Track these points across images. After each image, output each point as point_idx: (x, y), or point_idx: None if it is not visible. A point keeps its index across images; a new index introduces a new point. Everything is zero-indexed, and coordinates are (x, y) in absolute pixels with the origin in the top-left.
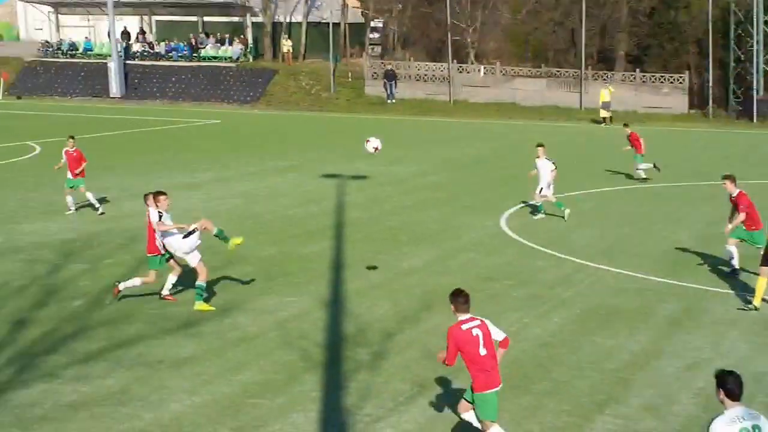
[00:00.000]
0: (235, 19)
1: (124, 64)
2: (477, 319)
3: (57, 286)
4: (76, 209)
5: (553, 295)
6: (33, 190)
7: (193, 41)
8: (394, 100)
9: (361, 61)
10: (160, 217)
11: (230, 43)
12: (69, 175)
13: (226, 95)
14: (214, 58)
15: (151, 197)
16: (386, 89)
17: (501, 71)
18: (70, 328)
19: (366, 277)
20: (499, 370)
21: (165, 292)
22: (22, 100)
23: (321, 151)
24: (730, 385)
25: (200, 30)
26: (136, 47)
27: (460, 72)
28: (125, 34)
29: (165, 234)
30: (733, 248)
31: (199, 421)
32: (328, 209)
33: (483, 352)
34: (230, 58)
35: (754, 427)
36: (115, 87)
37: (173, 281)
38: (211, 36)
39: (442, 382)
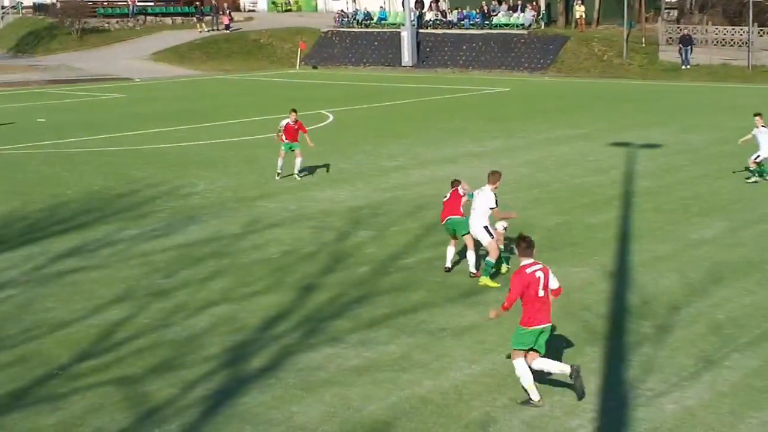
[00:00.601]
0: None
1: (417, 33)
2: (539, 263)
3: (344, 252)
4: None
5: None
6: (325, 158)
7: (485, 8)
8: (689, 66)
9: (656, 26)
10: (497, 202)
11: (522, 10)
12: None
13: (517, 63)
14: (506, 25)
15: (491, 176)
16: (681, 55)
17: None
18: (356, 294)
19: (652, 248)
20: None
21: (473, 270)
22: (318, 70)
23: (611, 118)
24: None
25: None
26: (429, 16)
27: (761, 36)
28: (419, 3)
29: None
30: None
31: (478, 390)
32: (616, 178)
33: (541, 293)
34: (522, 24)
35: None
36: (407, 56)
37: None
38: (504, 3)
39: (729, 357)
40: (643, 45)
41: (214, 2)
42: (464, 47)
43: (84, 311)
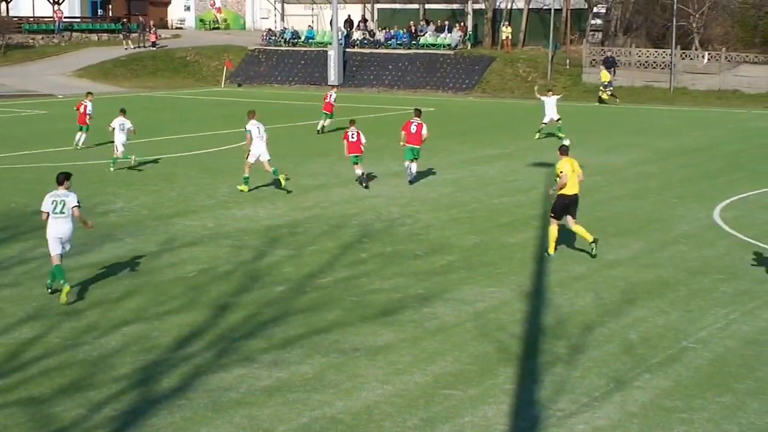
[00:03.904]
0: (456, 6)
1: (344, 52)
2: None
3: (261, 271)
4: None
5: (764, 291)
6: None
7: (412, 28)
8: (611, 88)
9: (581, 48)
10: None
11: (449, 31)
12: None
13: (442, 83)
14: (433, 45)
15: None
16: None
17: (726, 57)
18: (271, 313)
19: (569, 268)
20: None
21: None
22: (243, 88)
23: (534, 139)
24: None
25: (421, 17)
26: (357, 35)
27: (683, 58)
28: (348, 23)
29: None
30: None
31: (389, 410)
32: (536, 199)
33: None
34: (448, 45)
35: None
36: (333, 75)
37: None
38: (431, 23)
39: (640, 377)
40: (567, 66)
41: (141, 19)
42: (390, 67)
43: None
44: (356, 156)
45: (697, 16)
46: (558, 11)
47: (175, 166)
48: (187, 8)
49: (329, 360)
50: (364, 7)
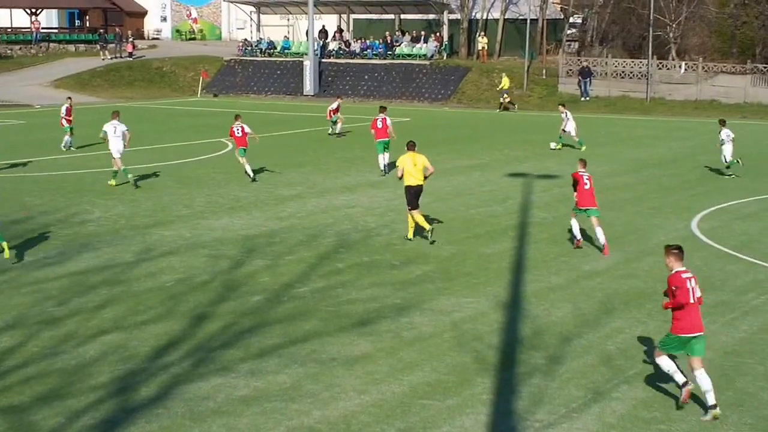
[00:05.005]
0: (432, 16)
1: (320, 62)
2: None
3: (237, 281)
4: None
5: (742, 301)
6: (222, 187)
7: (388, 39)
8: (588, 98)
9: (557, 58)
10: None
11: (425, 41)
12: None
13: (418, 93)
14: (408, 55)
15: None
16: (580, 87)
17: (703, 67)
18: (248, 323)
19: (546, 279)
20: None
21: None
22: (218, 98)
23: (509, 149)
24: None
25: (396, 28)
26: (333, 46)
27: (660, 69)
28: (323, 33)
29: None
30: None
31: (366, 420)
32: (512, 209)
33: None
34: (424, 55)
35: None
36: (308, 85)
37: None
38: (407, 34)
39: (618, 388)
40: (544, 77)
41: (117, 30)
42: (366, 77)
43: None
44: (383, 142)
45: (674, 26)
46: (534, 21)
47: (151, 177)
48: (164, 19)
49: (306, 370)
50: (340, 17)
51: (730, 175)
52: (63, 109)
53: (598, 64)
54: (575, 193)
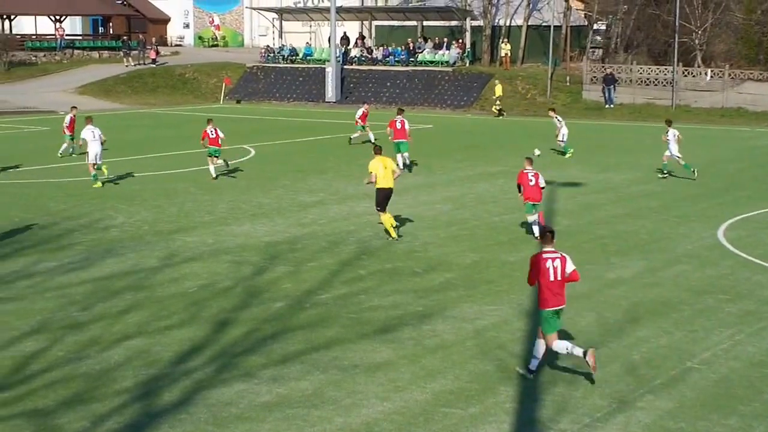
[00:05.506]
0: (454, 23)
1: (342, 69)
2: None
3: (260, 287)
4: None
5: None
6: (245, 193)
7: (410, 45)
8: (612, 105)
9: (581, 65)
10: None
11: (447, 48)
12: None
13: (440, 100)
14: (431, 62)
15: None
16: (604, 94)
17: (729, 75)
18: (270, 329)
19: (570, 287)
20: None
21: None
22: (241, 105)
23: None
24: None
25: (419, 34)
26: (355, 52)
27: (685, 76)
28: (345, 40)
29: None
30: None
31: (389, 428)
32: None
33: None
34: (447, 62)
35: None
36: (330, 92)
37: None
38: (429, 40)
39: (643, 398)
40: (567, 84)
41: (141, 37)
42: (388, 84)
43: None
44: (400, 142)
45: (699, 32)
46: (557, 28)
47: (175, 183)
48: (186, 26)
49: (328, 376)
50: (362, 24)
51: (665, 176)
52: (67, 119)
53: (622, 71)
54: (520, 194)
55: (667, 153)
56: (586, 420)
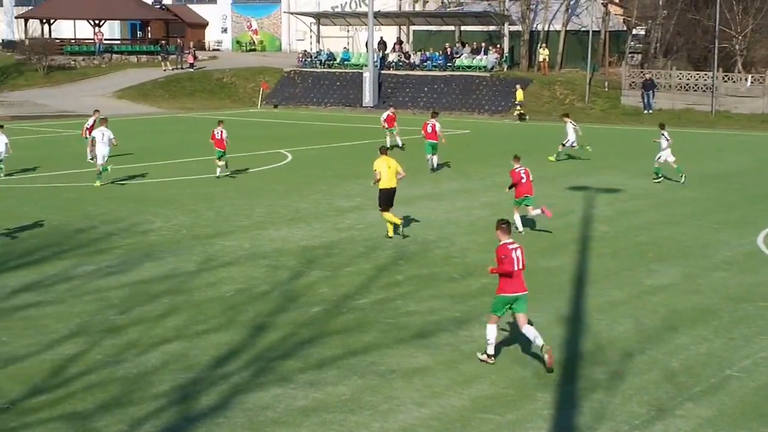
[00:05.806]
0: (492, 28)
1: (379, 74)
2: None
3: (297, 292)
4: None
5: None
6: (282, 198)
7: (448, 50)
8: (651, 111)
9: (620, 70)
10: None
11: (485, 53)
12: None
13: (478, 105)
14: (468, 67)
15: None
16: (643, 99)
17: None
18: (307, 334)
19: (608, 293)
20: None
21: None
22: (278, 109)
23: (570, 162)
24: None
25: (457, 39)
26: (392, 57)
27: (725, 81)
28: (382, 44)
29: None
30: None
31: None
32: (574, 222)
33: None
34: (484, 67)
35: None
36: (368, 97)
37: None
38: (467, 45)
39: (682, 406)
40: (606, 89)
41: (179, 41)
42: (426, 89)
43: (37, 346)
44: (432, 143)
45: (740, 38)
46: (596, 33)
47: (212, 187)
48: (224, 30)
49: (365, 381)
50: (400, 29)
51: (659, 179)
52: (90, 121)
53: (661, 77)
54: (514, 189)
55: (661, 157)
56: (625, 428)
